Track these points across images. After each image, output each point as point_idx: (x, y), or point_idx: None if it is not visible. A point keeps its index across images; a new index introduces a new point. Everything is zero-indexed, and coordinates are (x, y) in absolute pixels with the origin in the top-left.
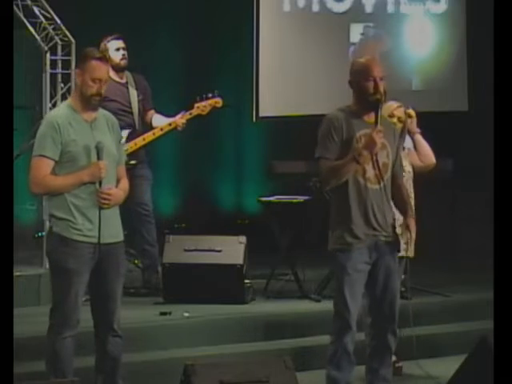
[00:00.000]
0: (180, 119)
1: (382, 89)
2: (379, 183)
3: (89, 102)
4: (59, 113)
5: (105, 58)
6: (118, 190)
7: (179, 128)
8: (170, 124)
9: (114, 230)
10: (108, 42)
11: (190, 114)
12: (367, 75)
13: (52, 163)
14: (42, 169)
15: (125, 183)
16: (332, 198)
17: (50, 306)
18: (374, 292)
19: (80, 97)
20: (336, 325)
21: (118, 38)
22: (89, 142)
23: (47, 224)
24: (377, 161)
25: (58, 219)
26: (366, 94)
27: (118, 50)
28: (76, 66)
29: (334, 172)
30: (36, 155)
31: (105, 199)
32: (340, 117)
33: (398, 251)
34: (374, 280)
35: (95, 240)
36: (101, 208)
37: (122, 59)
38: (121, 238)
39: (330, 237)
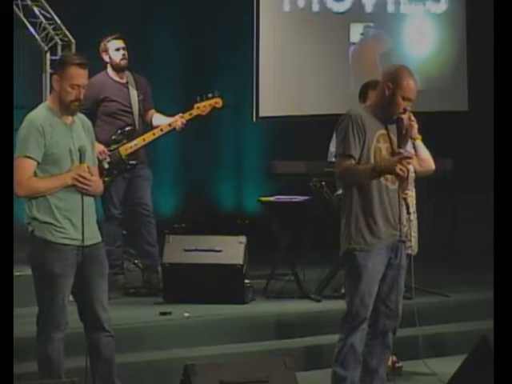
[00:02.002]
0: (180, 119)
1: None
2: (395, 183)
3: (68, 108)
4: (41, 114)
5: (83, 63)
6: (99, 180)
7: (178, 128)
8: (169, 124)
9: (94, 232)
10: (108, 41)
11: (190, 114)
12: (407, 95)
13: (35, 164)
14: (26, 170)
15: (100, 182)
16: (347, 197)
17: (37, 310)
18: (380, 290)
19: (59, 102)
20: (348, 323)
21: (118, 38)
22: (70, 145)
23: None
24: (404, 157)
25: (41, 222)
26: (395, 108)
27: (118, 49)
28: (54, 72)
29: (353, 175)
30: (20, 156)
31: (84, 183)
32: (362, 114)
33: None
34: (383, 278)
35: (79, 242)
36: (83, 209)
37: (122, 59)
38: (99, 238)
39: (346, 236)
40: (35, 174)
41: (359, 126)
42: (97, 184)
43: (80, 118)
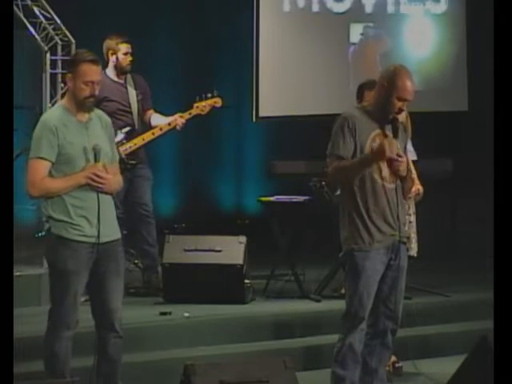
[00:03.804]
0: (179, 119)
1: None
2: (394, 182)
3: (83, 105)
4: (54, 114)
5: (95, 60)
6: (113, 177)
7: (178, 128)
8: (169, 124)
9: (111, 229)
10: (117, 44)
11: (190, 113)
12: (402, 95)
13: (49, 165)
14: (40, 171)
15: (120, 178)
16: (344, 197)
17: (49, 306)
18: (381, 290)
19: (74, 100)
20: (347, 323)
21: (127, 42)
22: (85, 144)
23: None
24: (391, 160)
25: (56, 221)
26: (390, 108)
27: (126, 54)
28: (67, 70)
29: (342, 172)
30: (33, 157)
31: (99, 182)
32: (356, 115)
33: (407, 250)
34: (383, 278)
35: (94, 240)
36: (99, 207)
37: (128, 64)
38: (118, 235)
39: (345, 237)
40: (50, 174)
41: (350, 126)
42: (112, 182)
43: (97, 114)
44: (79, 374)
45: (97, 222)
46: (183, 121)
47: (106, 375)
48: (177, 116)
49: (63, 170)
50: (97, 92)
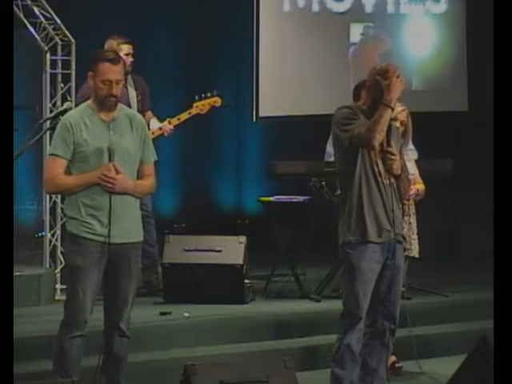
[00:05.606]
0: (167, 125)
1: None
2: (389, 179)
3: (103, 103)
4: (75, 112)
5: (115, 59)
6: (125, 178)
7: (166, 134)
8: (160, 128)
9: (127, 231)
10: (119, 44)
11: (189, 113)
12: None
13: (64, 162)
14: (54, 168)
15: (148, 180)
16: (341, 195)
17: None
18: (378, 290)
19: (95, 98)
20: (344, 323)
21: (129, 43)
22: (102, 143)
23: (47, 224)
24: (386, 153)
25: (69, 218)
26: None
27: (127, 54)
28: (88, 69)
29: (374, 127)
30: (49, 154)
31: (107, 182)
32: (355, 108)
33: (405, 250)
34: (380, 278)
35: (103, 239)
36: (111, 207)
37: (129, 65)
38: (136, 239)
39: (342, 229)
40: (69, 171)
41: (355, 116)
42: (122, 182)
43: (128, 114)
44: (85, 373)
45: (108, 221)
46: (171, 127)
47: (109, 373)
48: (165, 122)
49: (79, 168)
50: (116, 91)
